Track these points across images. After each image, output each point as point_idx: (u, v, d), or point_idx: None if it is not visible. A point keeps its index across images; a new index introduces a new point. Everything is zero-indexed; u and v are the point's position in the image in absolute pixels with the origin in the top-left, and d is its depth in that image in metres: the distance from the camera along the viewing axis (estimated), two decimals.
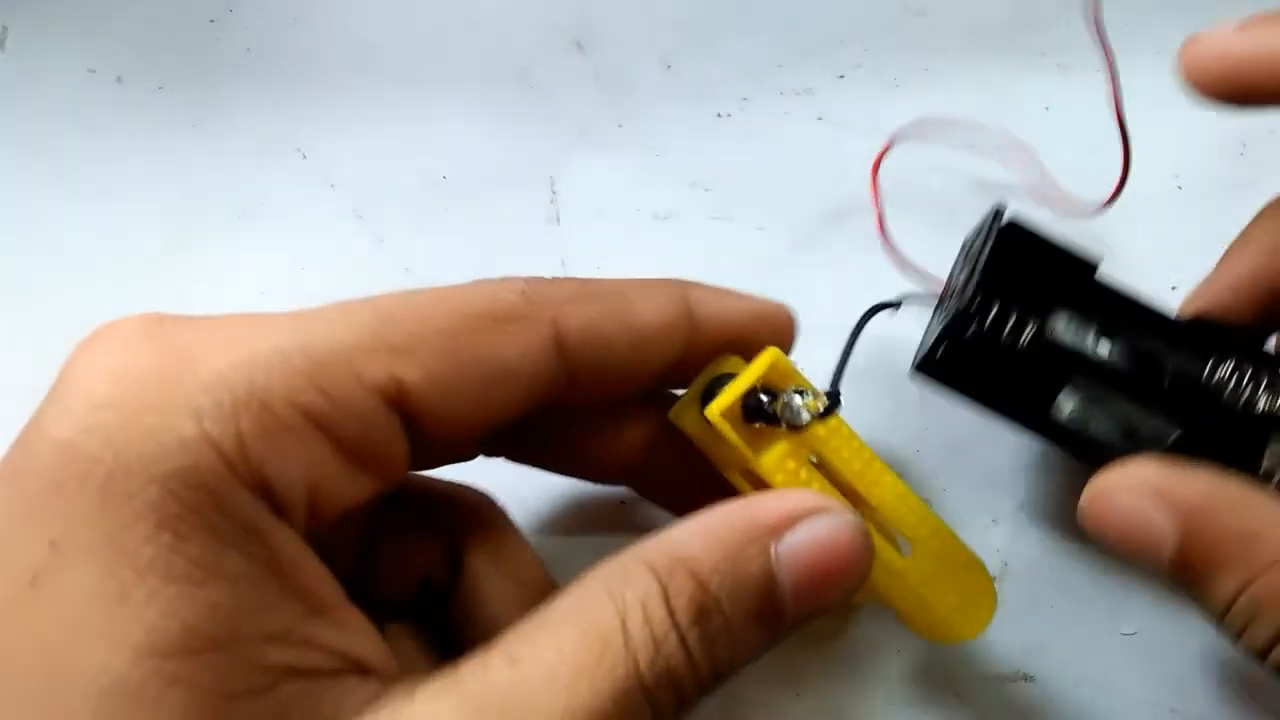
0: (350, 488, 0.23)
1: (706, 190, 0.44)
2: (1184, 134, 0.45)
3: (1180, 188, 0.44)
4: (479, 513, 0.30)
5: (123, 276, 0.41)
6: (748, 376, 0.29)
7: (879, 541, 0.29)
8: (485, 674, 0.22)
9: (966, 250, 0.34)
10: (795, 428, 0.28)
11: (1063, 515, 0.37)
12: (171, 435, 0.20)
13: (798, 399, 0.28)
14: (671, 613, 0.22)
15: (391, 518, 0.28)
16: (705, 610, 0.23)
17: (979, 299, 0.29)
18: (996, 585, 0.33)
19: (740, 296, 0.30)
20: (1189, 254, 0.42)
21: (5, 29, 0.46)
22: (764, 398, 0.29)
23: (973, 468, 0.37)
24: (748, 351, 0.29)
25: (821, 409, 0.29)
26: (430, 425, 0.24)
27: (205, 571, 0.20)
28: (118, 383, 0.21)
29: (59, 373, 0.22)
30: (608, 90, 0.46)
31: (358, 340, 0.23)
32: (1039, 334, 0.29)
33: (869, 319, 0.32)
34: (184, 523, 0.20)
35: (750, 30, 0.47)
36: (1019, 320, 0.29)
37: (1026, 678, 0.35)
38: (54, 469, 0.20)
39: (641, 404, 0.30)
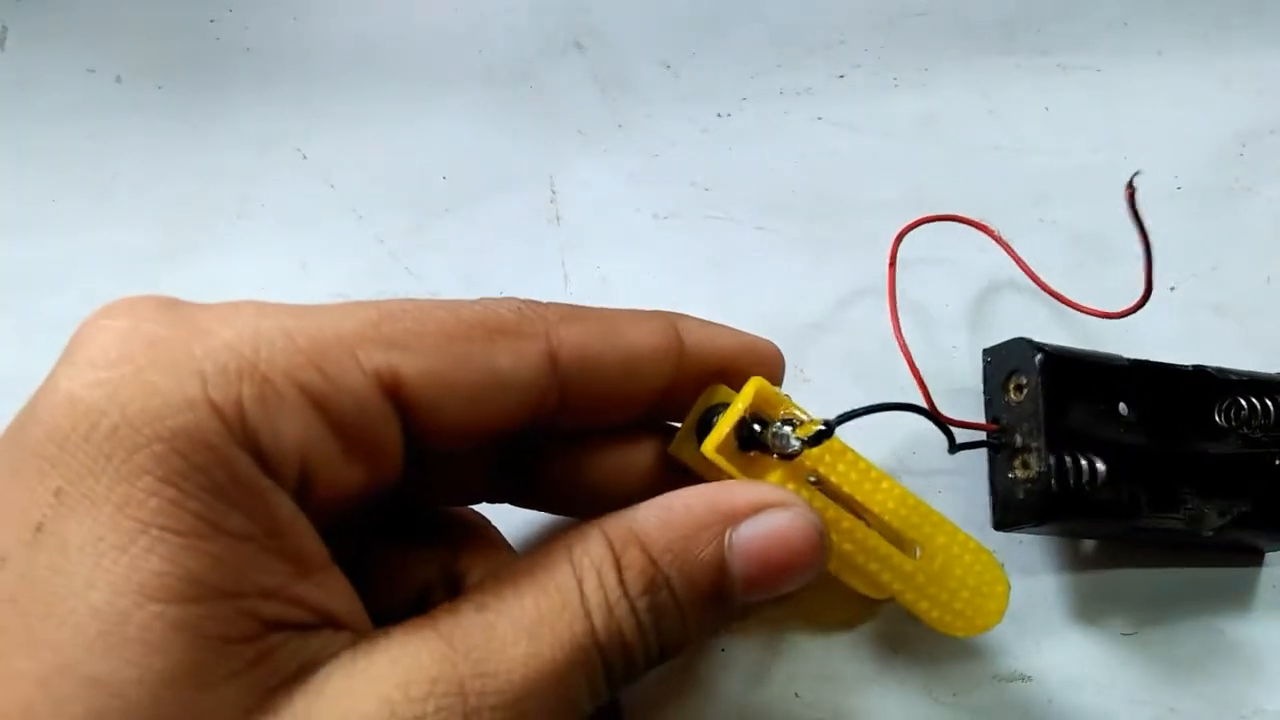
0: (344, 472, 0.24)
1: (706, 190, 0.44)
2: (1184, 134, 0.45)
3: (1180, 188, 0.44)
4: (478, 532, 0.31)
5: (123, 276, 0.41)
6: (736, 408, 0.29)
7: (887, 548, 0.30)
8: (455, 618, 0.24)
9: (994, 365, 0.36)
10: (786, 456, 0.29)
11: None
12: (176, 394, 0.21)
13: (786, 429, 0.29)
14: (623, 583, 0.24)
15: (392, 532, 0.29)
16: (654, 584, 0.24)
17: (1052, 459, 0.32)
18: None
19: (729, 330, 0.31)
20: (1189, 254, 0.42)
21: (5, 29, 0.46)
22: (756, 427, 0.29)
23: (970, 469, 0.37)
24: (737, 383, 0.30)
25: (811, 435, 0.29)
26: (425, 421, 0.25)
27: (209, 527, 0.21)
28: (126, 343, 0.22)
29: (73, 336, 0.23)
30: (608, 90, 0.46)
31: (359, 330, 0.24)
32: (1110, 470, 0.33)
33: (902, 410, 0.33)
34: (188, 480, 0.21)
35: (750, 30, 0.47)
36: (1090, 464, 0.33)
37: (1025, 678, 0.35)
38: (60, 421, 0.21)
39: (639, 436, 0.31)
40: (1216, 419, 0.36)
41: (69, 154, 0.44)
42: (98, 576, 0.20)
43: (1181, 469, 0.34)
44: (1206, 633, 0.37)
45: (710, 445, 0.29)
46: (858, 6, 0.48)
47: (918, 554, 0.31)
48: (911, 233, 0.39)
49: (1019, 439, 0.33)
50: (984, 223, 0.38)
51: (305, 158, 0.44)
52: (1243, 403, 0.36)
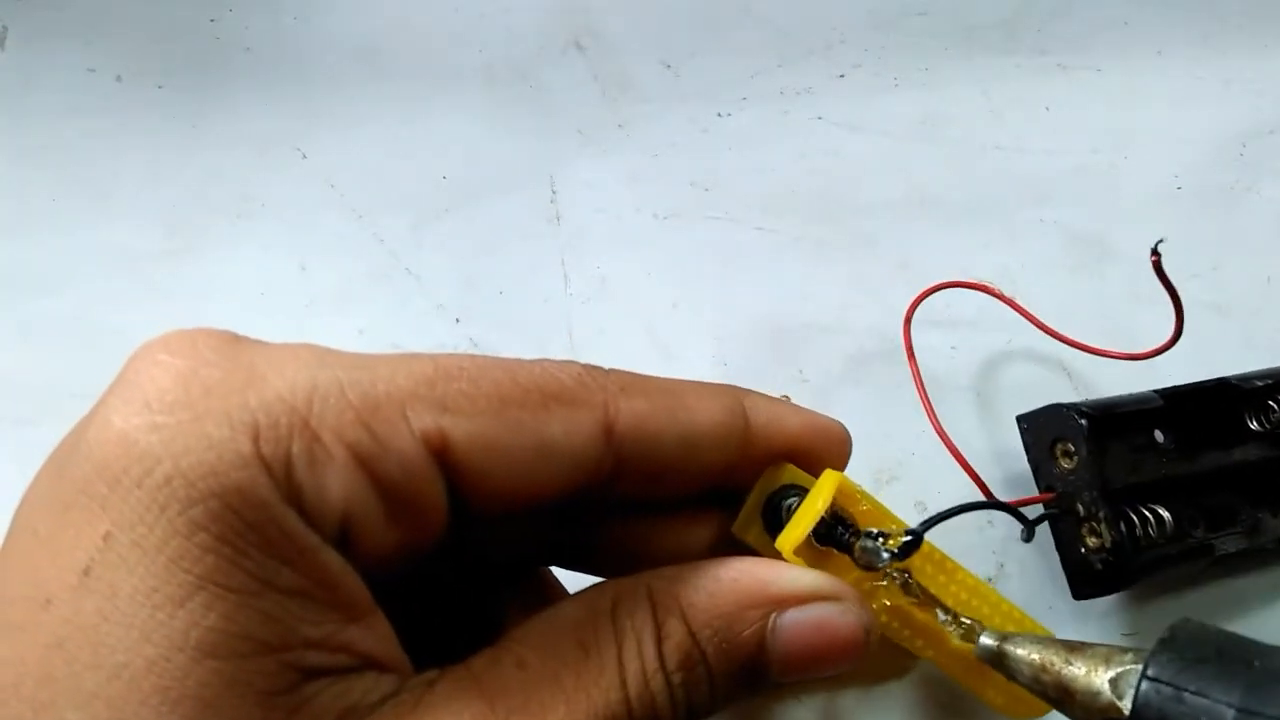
0: (386, 530, 0.24)
1: (706, 190, 0.44)
2: (1184, 134, 0.45)
3: (1180, 188, 0.44)
4: (527, 575, 0.30)
5: (123, 276, 0.41)
6: (815, 507, 0.28)
7: (956, 642, 0.29)
8: (497, 674, 0.23)
9: (1033, 433, 0.36)
10: (872, 569, 0.28)
11: None
12: (230, 449, 0.21)
13: (875, 543, 0.28)
14: (661, 656, 0.24)
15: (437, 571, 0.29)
16: (691, 659, 0.24)
17: (1123, 527, 0.33)
18: (993, 585, 0.33)
19: (796, 409, 0.30)
20: (1189, 254, 0.42)
21: (5, 29, 0.46)
22: (838, 528, 0.28)
23: (985, 519, 0.37)
24: (803, 462, 0.29)
25: (900, 547, 0.28)
26: (472, 484, 0.25)
27: (262, 585, 0.21)
28: (185, 387, 0.22)
29: (125, 365, 0.23)
30: (608, 90, 0.46)
31: (413, 389, 0.24)
32: (1174, 514, 0.33)
33: (980, 509, 0.32)
34: (242, 538, 0.21)
35: (750, 30, 0.47)
36: (1155, 515, 0.33)
37: None
38: (111, 461, 0.21)
39: (699, 511, 0.30)
40: (1249, 425, 0.36)
41: (69, 154, 0.43)
42: (152, 630, 0.20)
43: (1227, 482, 0.35)
44: None
45: (789, 546, 0.27)
46: (858, 6, 0.48)
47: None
48: (911, 236, 0.38)
49: (1080, 508, 0.34)
50: (988, 285, 0.38)
51: (305, 158, 0.44)
52: (1272, 404, 0.36)
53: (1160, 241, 0.30)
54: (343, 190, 0.43)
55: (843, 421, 0.31)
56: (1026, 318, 0.37)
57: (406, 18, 0.47)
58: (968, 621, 0.29)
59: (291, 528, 0.21)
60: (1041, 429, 0.35)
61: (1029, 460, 0.36)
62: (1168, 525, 0.33)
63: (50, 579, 0.21)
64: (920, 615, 0.29)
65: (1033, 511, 0.33)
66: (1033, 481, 0.35)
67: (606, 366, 0.27)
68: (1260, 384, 0.37)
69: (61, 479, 0.21)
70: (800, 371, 0.40)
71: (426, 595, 0.28)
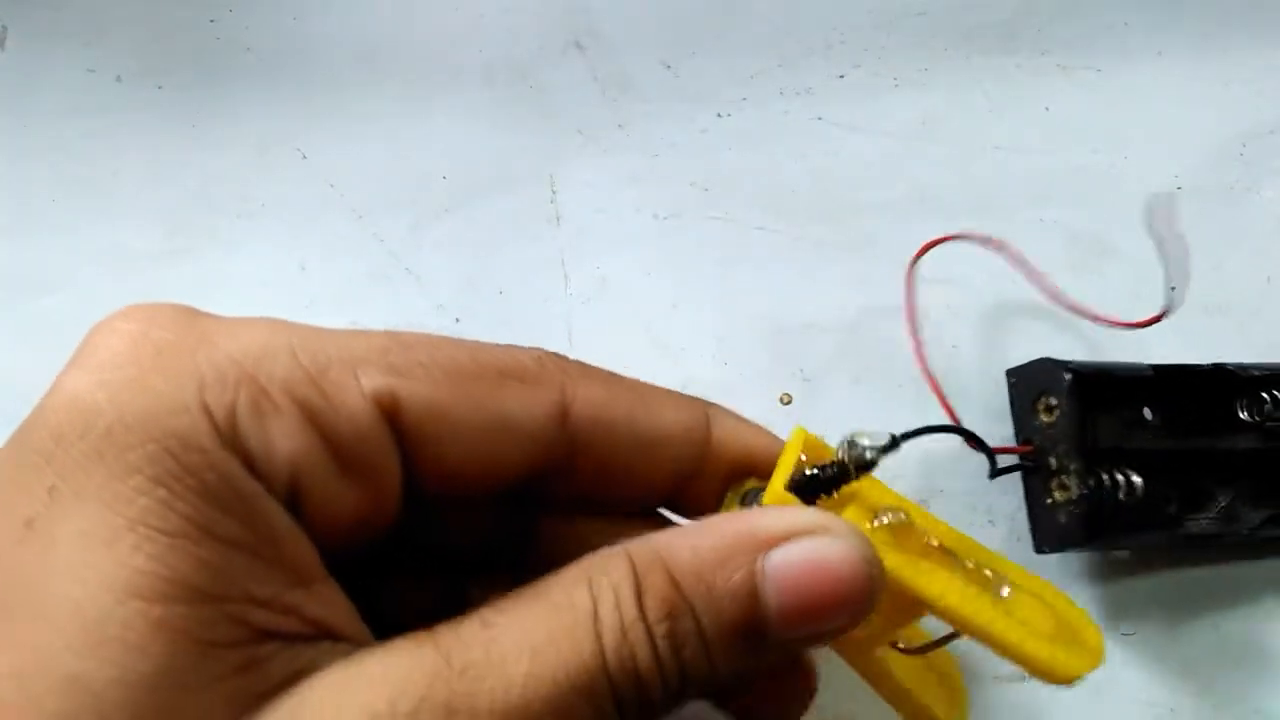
0: (338, 492, 0.24)
1: (706, 190, 0.44)
2: (1184, 134, 0.45)
3: (1180, 188, 0.44)
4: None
5: (123, 276, 0.41)
6: (791, 456, 0.27)
7: (973, 589, 0.26)
8: (457, 632, 0.22)
9: (1019, 386, 0.35)
10: (865, 467, 0.26)
11: None
12: (171, 397, 0.21)
13: (863, 439, 0.26)
14: (641, 606, 0.22)
15: (399, 555, 0.28)
16: (675, 610, 0.22)
17: (1091, 481, 0.32)
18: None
19: (762, 430, 0.29)
20: (1189, 254, 0.42)
21: (5, 29, 0.46)
22: (816, 471, 0.26)
23: (970, 470, 0.37)
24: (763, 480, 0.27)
25: (885, 444, 0.26)
26: (423, 453, 0.24)
27: (198, 530, 0.21)
28: (135, 348, 0.22)
29: (85, 338, 0.23)
30: (608, 90, 0.46)
31: (365, 354, 0.24)
32: (1146, 482, 0.33)
33: (951, 433, 0.32)
34: (179, 481, 0.21)
35: (750, 30, 0.47)
36: (1126, 479, 0.33)
37: (1026, 678, 0.35)
38: (60, 420, 0.21)
39: (656, 520, 0.29)
40: (1240, 415, 0.36)
41: (69, 154, 0.44)
42: (82, 572, 0.20)
43: (1209, 467, 0.35)
44: (1206, 633, 0.37)
45: (778, 487, 0.26)
46: (858, 6, 0.48)
47: (1005, 593, 0.27)
48: (911, 236, 0.39)
49: (1054, 461, 0.33)
50: (994, 236, 0.38)
51: (305, 158, 0.44)
52: (1264, 396, 0.36)
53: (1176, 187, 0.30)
54: (343, 190, 0.43)
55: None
56: (1029, 275, 0.37)
57: (406, 18, 0.47)
58: (989, 573, 0.26)
59: (233, 476, 0.21)
60: (1028, 382, 0.35)
61: (1012, 415, 0.36)
62: (1138, 490, 0.32)
63: None
64: (926, 566, 0.26)
65: (1011, 470, 0.34)
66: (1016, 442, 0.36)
67: (593, 364, 0.27)
68: (1256, 374, 0.36)
69: (18, 446, 0.22)
70: (800, 371, 0.40)
71: (397, 583, 0.28)
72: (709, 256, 0.42)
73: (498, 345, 0.26)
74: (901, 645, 0.28)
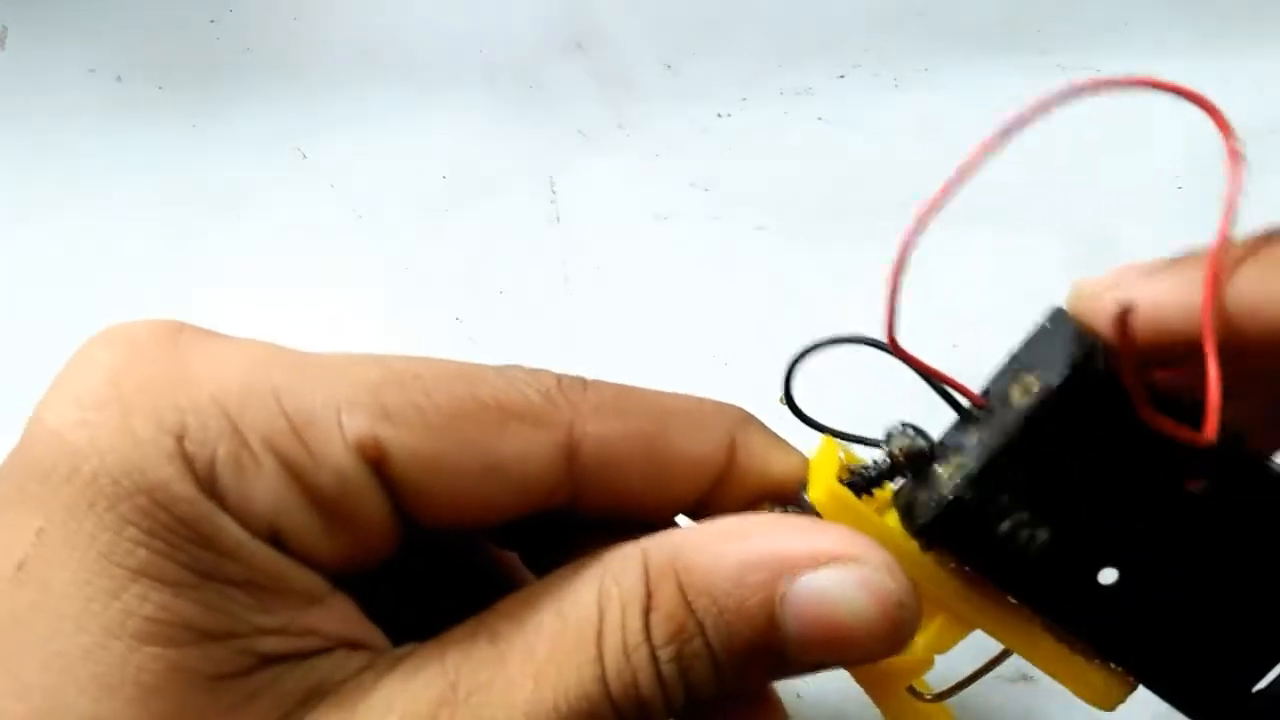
0: (321, 540, 0.23)
1: (706, 190, 0.44)
2: (1184, 134, 0.45)
3: (1180, 188, 0.44)
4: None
5: (123, 275, 0.41)
6: (830, 455, 0.25)
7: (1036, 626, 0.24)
8: (467, 650, 0.22)
9: (1018, 353, 0.27)
10: (920, 458, 0.24)
11: None
12: (154, 445, 0.21)
13: (909, 430, 0.24)
14: (647, 626, 0.21)
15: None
16: (683, 631, 0.21)
17: (973, 493, 0.23)
18: None
19: (792, 453, 0.27)
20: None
21: (5, 29, 0.46)
22: (861, 470, 0.25)
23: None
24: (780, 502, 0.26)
25: (918, 432, 0.24)
26: (413, 500, 0.24)
27: (199, 577, 0.21)
28: (115, 384, 0.22)
29: (67, 361, 0.23)
30: (608, 90, 0.46)
31: (354, 395, 0.23)
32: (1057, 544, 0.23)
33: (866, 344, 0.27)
34: (174, 533, 0.21)
35: (750, 30, 0.47)
36: (1033, 526, 0.23)
37: (1026, 678, 0.35)
38: (43, 458, 0.21)
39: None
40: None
41: (69, 153, 0.44)
42: (86, 620, 0.20)
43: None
44: None
45: (827, 484, 0.24)
46: (858, 6, 0.48)
47: None
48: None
49: (977, 438, 0.24)
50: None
51: (305, 158, 0.44)
52: None
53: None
54: (343, 190, 0.43)
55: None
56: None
57: (406, 18, 0.47)
58: None
59: (220, 525, 0.21)
60: (1030, 350, 0.26)
61: (993, 376, 0.26)
62: (1037, 543, 0.23)
63: None
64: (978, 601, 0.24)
65: (950, 404, 0.25)
66: None
67: (593, 378, 0.25)
68: None
69: (3, 477, 0.22)
70: (801, 370, 0.40)
71: (409, 575, 0.28)
72: (709, 256, 0.42)
73: (504, 374, 0.24)
74: (927, 696, 0.27)
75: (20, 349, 0.39)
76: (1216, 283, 0.21)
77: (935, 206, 0.24)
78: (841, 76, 0.46)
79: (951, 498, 0.23)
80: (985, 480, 0.23)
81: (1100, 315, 0.22)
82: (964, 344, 0.40)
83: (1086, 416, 0.23)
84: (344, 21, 0.47)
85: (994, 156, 0.23)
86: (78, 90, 0.45)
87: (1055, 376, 0.23)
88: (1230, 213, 0.21)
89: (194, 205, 0.43)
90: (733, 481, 0.26)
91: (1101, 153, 0.45)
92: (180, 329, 0.23)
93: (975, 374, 0.39)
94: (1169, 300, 0.22)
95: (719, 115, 0.45)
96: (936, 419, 0.25)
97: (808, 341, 0.25)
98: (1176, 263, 0.23)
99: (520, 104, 0.45)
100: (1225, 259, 0.21)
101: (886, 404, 0.26)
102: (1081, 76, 0.21)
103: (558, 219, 0.43)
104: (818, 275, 0.42)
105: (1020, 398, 0.24)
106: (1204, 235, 0.44)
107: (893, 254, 0.42)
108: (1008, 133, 0.23)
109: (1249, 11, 0.48)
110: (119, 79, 0.45)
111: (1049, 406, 0.23)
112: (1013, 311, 0.40)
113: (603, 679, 0.21)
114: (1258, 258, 0.21)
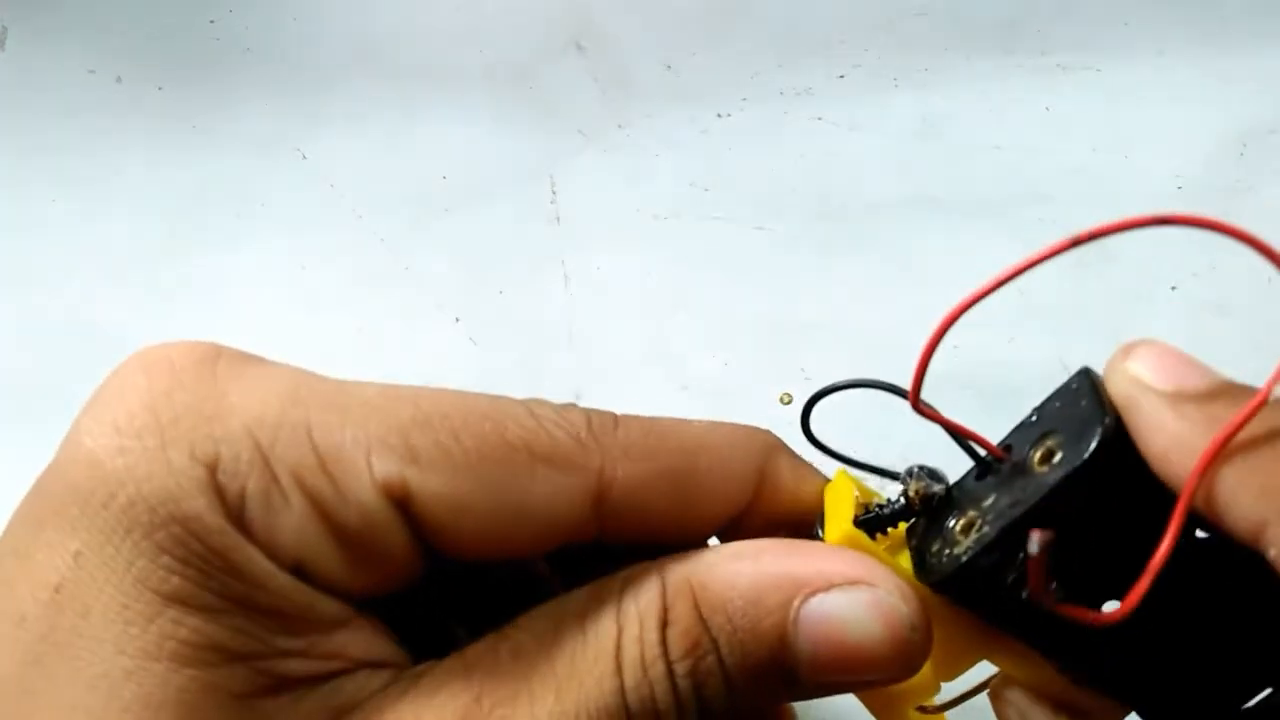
0: (345, 573, 0.23)
1: (706, 190, 0.44)
2: (1184, 134, 0.45)
3: (1180, 188, 0.44)
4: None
5: (123, 275, 0.41)
6: (845, 492, 0.25)
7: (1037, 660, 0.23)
8: (491, 665, 0.23)
9: (1044, 409, 0.25)
10: (937, 487, 0.24)
11: None
12: (188, 478, 0.21)
13: (924, 473, 0.24)
14: (664, 641, 0.22)
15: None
16: (698, 648, 0.22)
17: (995, 556, 0.22)
18: None
19: (819, 478, 0.27)
20: (1189, 254, 0.42)
21: (5, 29, 0.46)
22: (876, 509, 0.25)
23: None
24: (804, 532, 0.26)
25: (934, 475, 0.25)
26: (437, 537, 0.24)
27: (230, 604, 0.22)
28: (153, 410, 0.22)
29: (103, 381, 0.23)
30: (608, 90, 0.46)
31: (384, 435, 0.23)
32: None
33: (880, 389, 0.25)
34: (207, 562, 0.21)
35: (750, 30, 0.47)
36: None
37: None
38: (80, 481, 0.22)
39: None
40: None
41: (69, 153, 0.44)
42: (125, 643, 0.21)
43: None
44: None
45: (843, 527, 0.24)
46: (858, 6, 0.48)
47: None
48: (911, 236, 0.38)
49: (995, 498, 0.23)
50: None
51: (305, 158, 0.44)
52: None
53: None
54: (343, 190, 0.43)
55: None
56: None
57: (407, 18, 0.47)
58: None
59: (248, 556, 0.22)
60: (1055, 412, 0.24)
61: (1013, 429, 0.25)
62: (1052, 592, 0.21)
63: (24, 596, 0.22)
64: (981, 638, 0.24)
65: (972, 457, 0.25)
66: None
67: (621, 413, 0.24)
68: None
69: (38, 497, 0.22)
70: (801, 370, 0.40)
71: (431, 593, 0.28)
72: (709, 256, 0.42)
73: (534, 412, 0.24)
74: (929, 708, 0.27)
75: (20, 349, 0.39)
76: (1209, 466, 0.20)
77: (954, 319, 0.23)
78: (841, 76, 0.46)
79: (965, 560, 0.23)
80: (1000, 547, 0.22)
81: (1129, 404, 0.22)
82: (964, 345, 0.40)
83: (1105, 489, 0.22)
84: (344, 22, 0.47)
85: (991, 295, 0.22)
86: (78, 90, 0.45)
87: (1078, 455, 0.22)
88: (1263, 398, 0.20)
89: (194, 205, 0.43)
90: (760, 508, 0.26)
91: (1101, 153, 0.45)
92: (219, 354, 0.24)
93: (975, 375, 0.39)
94: (1175, 446, 0.21)
95: (719, 115, 0.45)
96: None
97: (826, 379, 0.25)
98: (1209, 402, 0.22)
99: (520, 104, 0.45)
100: (1237, 442, 0.20)
101: (900, 414, 0.25)
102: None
103: (558, 219, 0.43)
104: (818, 275, 0.42)
105: (1041, 465, 0.23)
106: (1204, 235, 0.44)
107: (892, 254, 0.42)
108: (1014, 276, 0.23)
109: (1249, 11, 0.48)
110: (119, 79, 0.45)
111: (1071, 481, 0.22)
112: (1013, 313, 0.40)
113: (621, 692, 0.22)
114: (1258, 450, 0.20)
